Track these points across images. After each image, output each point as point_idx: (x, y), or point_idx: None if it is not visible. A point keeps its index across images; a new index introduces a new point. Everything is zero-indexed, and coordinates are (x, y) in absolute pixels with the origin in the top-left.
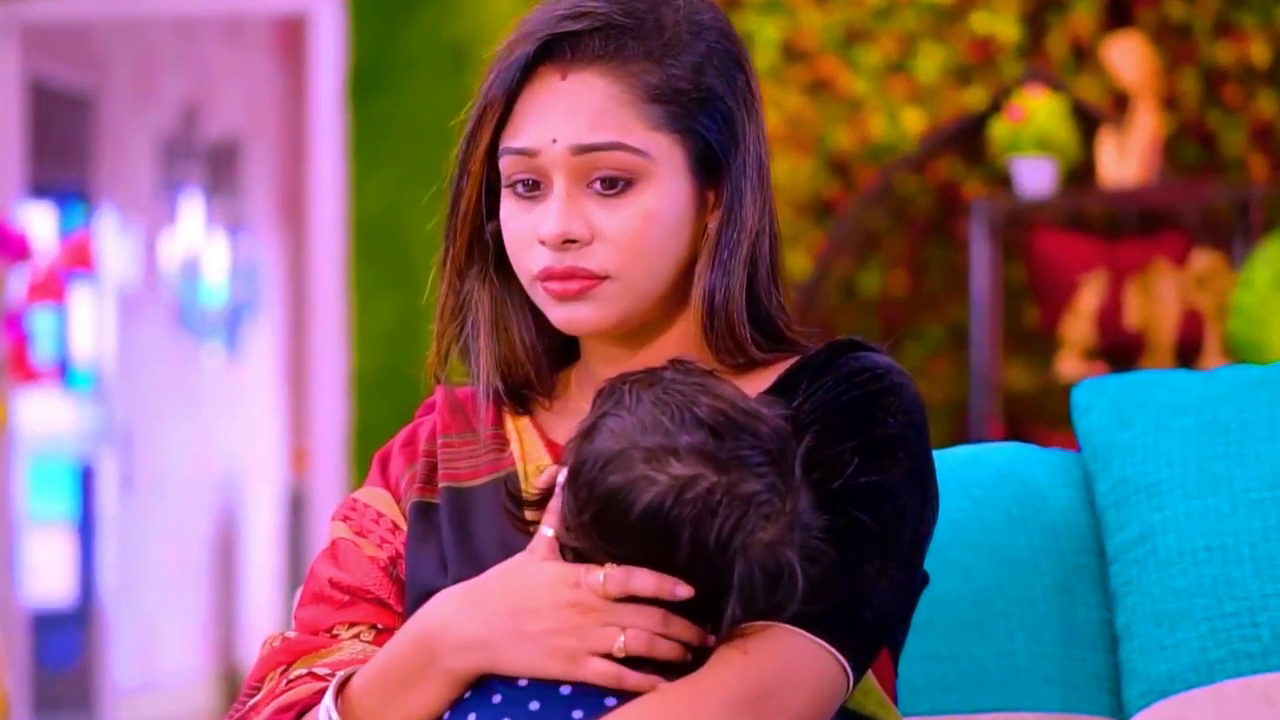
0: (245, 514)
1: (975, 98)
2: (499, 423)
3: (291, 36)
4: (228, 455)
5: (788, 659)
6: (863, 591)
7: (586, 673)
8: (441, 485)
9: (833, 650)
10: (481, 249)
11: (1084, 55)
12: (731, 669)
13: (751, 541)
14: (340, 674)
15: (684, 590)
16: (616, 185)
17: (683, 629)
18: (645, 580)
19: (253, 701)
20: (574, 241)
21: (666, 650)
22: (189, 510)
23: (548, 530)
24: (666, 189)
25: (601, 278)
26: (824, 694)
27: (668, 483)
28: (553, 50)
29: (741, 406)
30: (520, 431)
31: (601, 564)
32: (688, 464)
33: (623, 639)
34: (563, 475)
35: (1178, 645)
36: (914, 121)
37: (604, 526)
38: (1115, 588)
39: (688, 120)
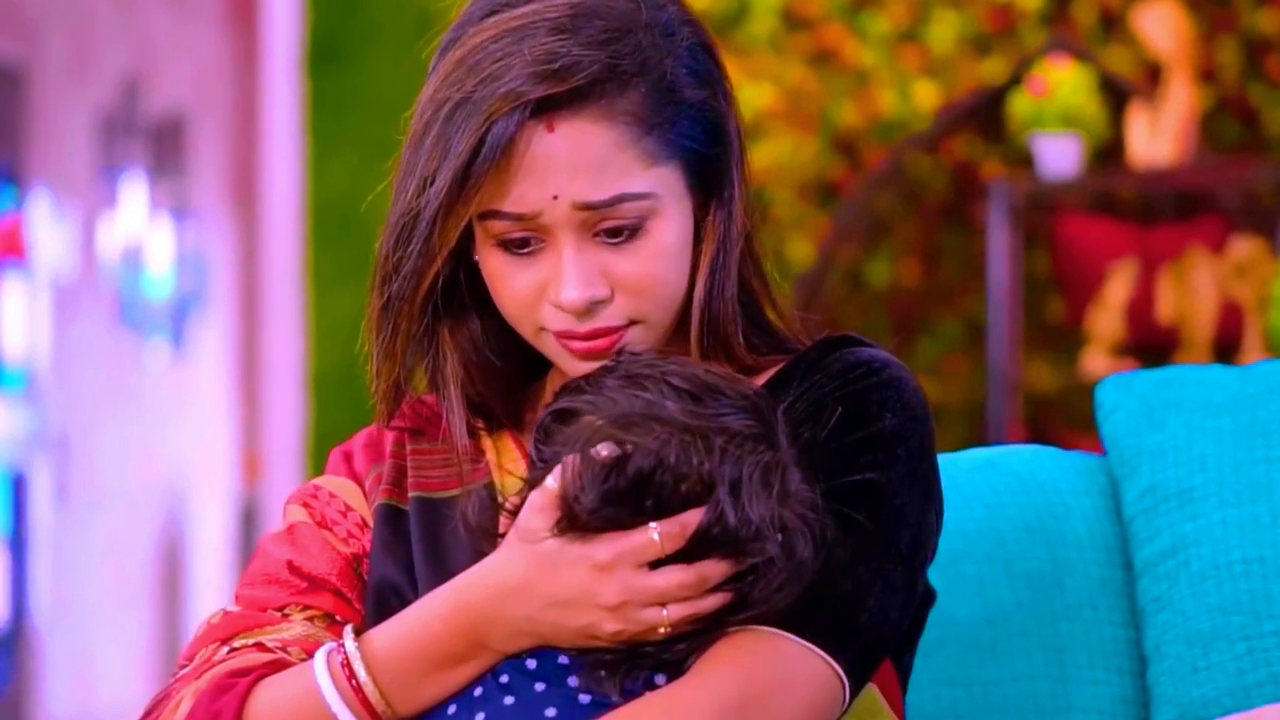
0: (192, 527)
1: (994, 69)
2: (472, 434)
3: (242, 3)
4: (173, 462)
5: (777, 665)
6: (859, 594)
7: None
8: (412, 495)
9: (826, 656)
10: (429, 302)
11: (1113, 23)
12: (716, 675)
13: (754, 508)
14: (350, 626)
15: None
16: (624, 232)
17: (714, 568)
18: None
19: (182, 673)
20: (599, 302)
21: (711, 604)
22: (130, 523)
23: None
24: (673, 219)
25: (626, 327)
26: (817, 703)
27: (658, 449)
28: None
29: (711, 370)
30: (495, 441)
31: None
32: (672, 429)
33: (666, 612)
34: (552, 480)
35: (1212, 667)
36: (927, 96)
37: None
38: (1144, 604)
39: (681, 141)
